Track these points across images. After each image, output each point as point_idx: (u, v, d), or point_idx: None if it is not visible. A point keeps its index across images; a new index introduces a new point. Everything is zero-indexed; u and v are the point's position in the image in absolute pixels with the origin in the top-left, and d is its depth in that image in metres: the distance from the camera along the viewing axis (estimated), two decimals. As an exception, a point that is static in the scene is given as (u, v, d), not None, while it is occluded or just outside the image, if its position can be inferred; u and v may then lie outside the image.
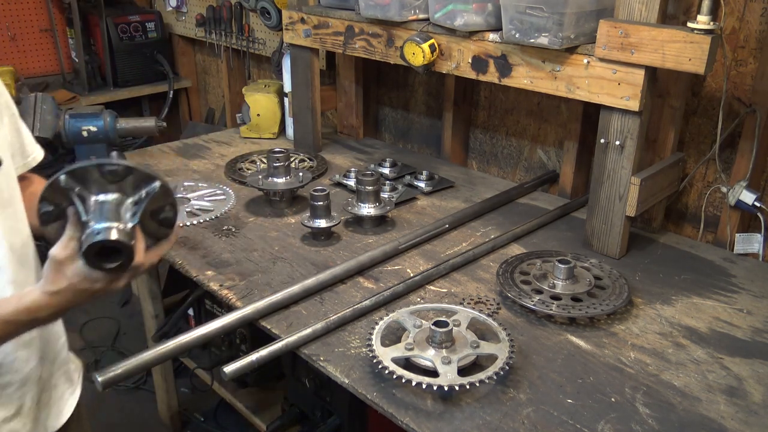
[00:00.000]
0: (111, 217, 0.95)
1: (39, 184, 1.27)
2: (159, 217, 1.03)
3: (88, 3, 3.28)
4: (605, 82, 1.49)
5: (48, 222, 1.00)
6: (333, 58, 2.58)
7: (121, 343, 3.07)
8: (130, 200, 0.99)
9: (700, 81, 1.71)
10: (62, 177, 0.95)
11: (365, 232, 1.75)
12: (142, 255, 0.99)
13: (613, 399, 1.14)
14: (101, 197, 0.97)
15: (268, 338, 1.31)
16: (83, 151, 2.06)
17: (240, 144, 2.48)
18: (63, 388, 1.26)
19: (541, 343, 1.30)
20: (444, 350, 1.17)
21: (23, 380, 1.12)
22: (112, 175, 0.97)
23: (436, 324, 1.19)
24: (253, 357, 1.23)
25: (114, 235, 0.93)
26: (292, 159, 2.19)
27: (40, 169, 1.29)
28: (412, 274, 1.51)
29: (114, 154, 1.02)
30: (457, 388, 1.09)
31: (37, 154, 1.29)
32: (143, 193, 0.99)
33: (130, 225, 0.97)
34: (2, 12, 3.25)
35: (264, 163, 2.22)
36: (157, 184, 0.99)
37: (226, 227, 1.76)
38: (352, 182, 2.01)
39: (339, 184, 2.06)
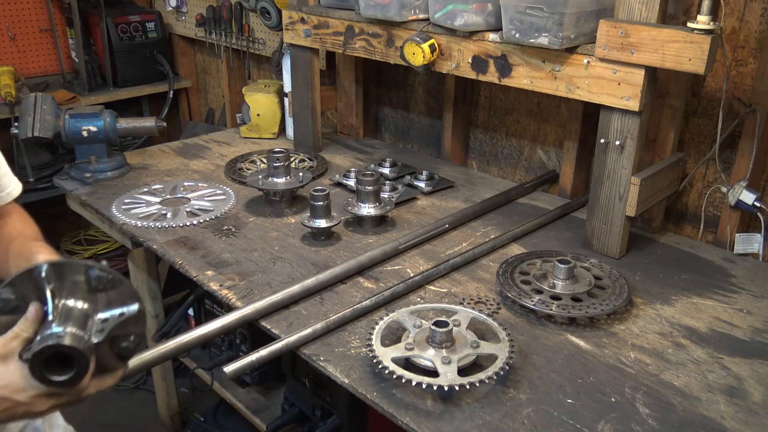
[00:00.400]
0: (77, 324, 0.86)
1: (16, 221, 1.17)
2: (119, 345, 0.92)
3: (88, 3, 3.28)
4: (605, 82, 1.49)
5: (0, 311, 0.88)
6: (333, 58, 2.58)
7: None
8: (99, 316, 0.89)
9: (700, 81, 1.71)
10: (44, 267, 0.85)
11: (365, 232, 1.75)
12: (88, 379, 0.86)
13: (613, 399, 1.14)
14: (71, 302, 0.88)
15: (268, 338, 1.31)
16: (83, 151, 2.07)
17: (240, 144, 2.48)
18: None
19: (541, 343, 1.30)
20: (444, 350, 1.17)
21: None
22: (96, 282, 0.88)
23: (436, 324, 1.19)
24: (253, 357, 1.23)
25: (77, 343, 0.83)
26: (292, 159, 2.19)
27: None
28: (412, 274, 1.51)
29: (104, 263, 0.92)
30: (457, 388, 1.09)
31: (13, 188, 1.18)
32: (117, 312, 0.89)
33: (94, 340, 0.87)
34: (2, 12, 3.25)
35: (264, 163, 2.22)
36: (135, 307, 0.89)
37: (226, 227, 1.76)
38: (352, 182, 2.01)
39: (339, 184, 2.06)
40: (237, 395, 2.18)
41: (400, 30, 1.83)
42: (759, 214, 1.64)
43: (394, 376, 1.12)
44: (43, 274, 0.87)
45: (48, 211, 2.70)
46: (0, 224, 1.15)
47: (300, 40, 2.15)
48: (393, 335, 1.28)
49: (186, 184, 2.04)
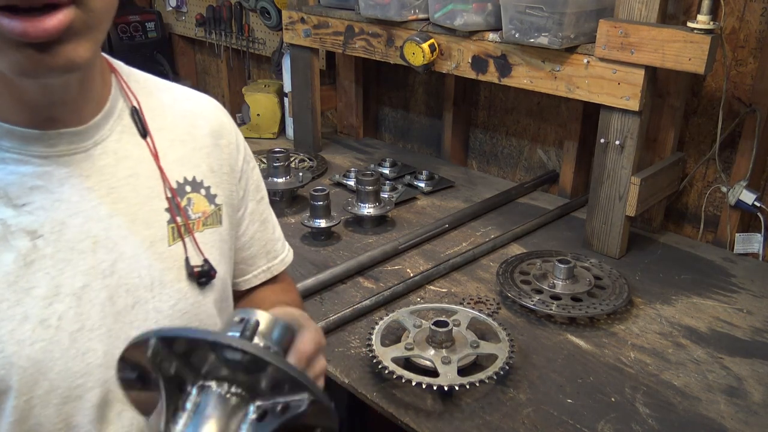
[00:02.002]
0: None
1: (276, 289, 1.00)
2: None
3: (88, 3, 3.28)
4: (605, 81, 1.49)
5: (133, 388, 0.62)
6: (333, 58, 2.58)
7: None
8: (254, 406, 0.56)
9: (700, 81, 1.71)
10: (152, 342, 0.55)
11: (365, 232, 1.75)
12: None
13: (613, 399, 1.14)
14: (211, 385, 0.56)
15: (268, 338, 1.31)
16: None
17: (240, 144, 2.48)
18: None
19: (541, 343, 1.30)
20: (444, 350, 1.17)
21: None
22: (234, 364, 0.56)
23: (436, 324, 1.19)
24: (253, 357, 1.22)
25: None
26: (292, 159, 2.19)
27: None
28: (412, 274, 1.51)
29: (259, 315, 0.60)
30: (457, 387, 1.09)
31: (286, 255, 1.02)
32: (279, 404, 0.55)
33: None
34: (2, 12, 3.25)
35: (264, 162, 2.22)
36: (305, 398, 0.55)
37: (226, 227, 1.76)
38: (352, 182, 2.01)
39: (339, 184, 2.06)
40: (237, 395, 2.18)
41: (400, 30, 1.83)
42: (759, 214, 1.64)
43: (394, 376, 1.12)
44: (151, 352, 0.56)
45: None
46: (264, 296, 0.98)
47: (300, 40, 2.15)
48: (393, 335, 1.28)
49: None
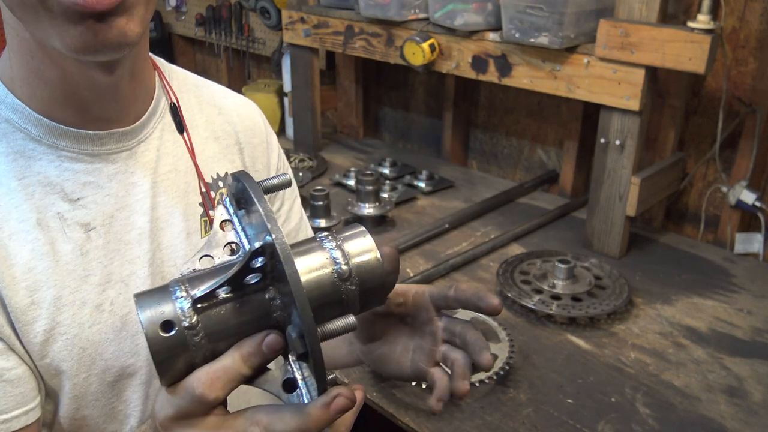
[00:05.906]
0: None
1: None
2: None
3: (87, 3, 3.27)
4: (605, 81, 1.49)
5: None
6: (333, 58, 2.58)
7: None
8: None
9: (700, 80, 1.70)
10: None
11: (365, 232, 1.75)
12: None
13: (613, 399, 1.14)
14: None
15: (268, 338, 1.31)
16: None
17: (240, 144, 2.48)
18: None
19: (541, 343, 1.30)
20: (444, 350, 1.17)
21: None
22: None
23: (436, 324, 1.19)
24: (253, 357, 1.22)
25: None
26: (291, 159, 2.19)
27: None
28: (412, 274, 1.51)
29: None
30: (456, 388, 1.08)
31: None
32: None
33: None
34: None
35: (264, 162, 2.22)
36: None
37: (225, 227, 1.76)
38: (352, 182, 2.01)
39: (339, 184, 2.06)
40: (237, 395, 2.18)
41: (400, 30, 1.83)
42: (759, 214, 1.64)
43: (394, 376, 1.12)
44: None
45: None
46: None
47: (300, 40, 2.15)
48: (393, 335, 1.28)
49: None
